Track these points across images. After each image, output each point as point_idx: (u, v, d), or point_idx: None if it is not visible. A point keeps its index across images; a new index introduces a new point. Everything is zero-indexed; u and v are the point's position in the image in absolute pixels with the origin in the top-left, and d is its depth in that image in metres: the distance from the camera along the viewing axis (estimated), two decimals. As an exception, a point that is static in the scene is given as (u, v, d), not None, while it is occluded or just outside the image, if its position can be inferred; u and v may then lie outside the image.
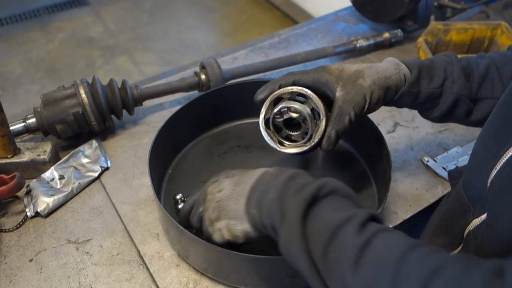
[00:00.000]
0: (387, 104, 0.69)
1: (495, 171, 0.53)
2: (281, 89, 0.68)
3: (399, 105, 0.70)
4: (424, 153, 0.95)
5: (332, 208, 0.51)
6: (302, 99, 0.69)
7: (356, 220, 0.48)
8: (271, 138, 0.71)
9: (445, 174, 0.89)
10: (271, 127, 0.71)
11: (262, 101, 0.70)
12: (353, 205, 0.53)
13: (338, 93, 0.66)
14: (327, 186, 0.53)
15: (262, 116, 0.70)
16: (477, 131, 0.70)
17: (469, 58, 0.70)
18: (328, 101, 0.68)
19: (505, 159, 0.51)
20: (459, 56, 0.70)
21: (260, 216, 0.56)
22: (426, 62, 0.69)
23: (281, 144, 0.72)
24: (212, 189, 0.63)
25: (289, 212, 0.51)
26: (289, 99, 0.69)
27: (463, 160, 0.92)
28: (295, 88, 0.68)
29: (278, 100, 0.69)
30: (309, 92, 0.67)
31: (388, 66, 0.67)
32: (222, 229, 0.62)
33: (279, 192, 0.54)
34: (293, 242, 0.50)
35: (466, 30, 1.13)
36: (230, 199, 0.60)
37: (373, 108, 0.67)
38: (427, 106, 0.70)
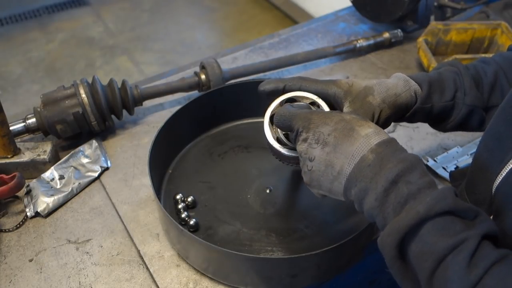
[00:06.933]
0: (399, 121, 0.68)
1: (501, 178, 0.52)
2: (298, 92, 0.67)
3: (411, 121, 0.69)
4: (424, 153, 0.95)
5: (437, 229, 0.45)
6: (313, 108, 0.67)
7: (465, 251, 0.43)
8: (272, 133, 0.69)
9: (445, 174, 0.89)
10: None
11: (265, 93, 0.69)
12: (463, 224, 0.45)
13: (346, 109, 0.65)
14: (437, 207, 0.45)
15: (270, 110, 0.69)
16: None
17: (475, 65, 0.69)
18: None
19: (511, 165, 0.50)
20: (458, 56, 0.70)
21: (360, 210, 0.54)
22: (434, 75, 0.68)
23: (279, 141, 0.69)
24: (301, 150, 0.59)
25: (388, 236, 0.48)
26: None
27: (463, 160, 0.92)
28: (310, 96, 0.67)
29: (290, 101, 0.68)
30: (323, 103, 0.66)
31: (397, 82, 0.66)
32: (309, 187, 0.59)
33: (379, 202, 0.50)
34: (391, 266, 0.48)
35: (466, 30, 1.13)
36: (323, 176, 0.56)
37: (381, 127, 0.65)
38: (440, 119, 0.70)
